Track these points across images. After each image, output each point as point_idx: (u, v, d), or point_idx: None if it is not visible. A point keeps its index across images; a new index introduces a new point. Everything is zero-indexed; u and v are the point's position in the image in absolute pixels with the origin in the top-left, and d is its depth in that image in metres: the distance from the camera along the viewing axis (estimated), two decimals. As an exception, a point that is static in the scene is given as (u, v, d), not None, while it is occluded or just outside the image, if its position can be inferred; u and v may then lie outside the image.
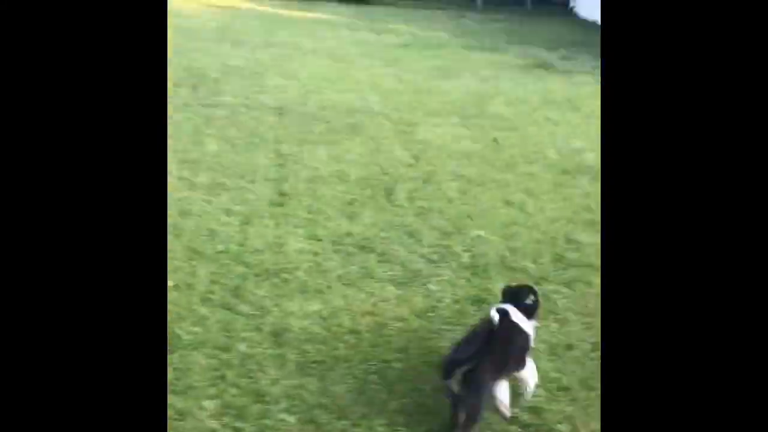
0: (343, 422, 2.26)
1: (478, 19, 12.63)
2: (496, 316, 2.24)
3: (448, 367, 2.14)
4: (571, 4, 14.50)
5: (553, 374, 2.56)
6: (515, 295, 2.42)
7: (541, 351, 2.68)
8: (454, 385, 2.10)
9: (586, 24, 12.93)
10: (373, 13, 12.40)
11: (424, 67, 8.02)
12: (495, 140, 5.33)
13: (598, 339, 2.79)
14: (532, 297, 2.41)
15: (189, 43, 8.27)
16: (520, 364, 2.28)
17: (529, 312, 2.37)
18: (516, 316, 2.30)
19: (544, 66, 8.57)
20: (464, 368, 2.08)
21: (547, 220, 3.93)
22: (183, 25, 9.47)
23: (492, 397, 2.16)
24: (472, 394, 2.08)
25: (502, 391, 2.18)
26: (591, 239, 3.71)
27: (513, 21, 12.62)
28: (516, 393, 2.30)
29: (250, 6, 12.20)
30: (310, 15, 11.64)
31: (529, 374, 2.31)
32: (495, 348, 2.16)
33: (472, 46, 9.78)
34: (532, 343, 2.35)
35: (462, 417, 2.10)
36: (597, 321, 2.93)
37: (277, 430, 2.22)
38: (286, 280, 3.09)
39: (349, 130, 5.40)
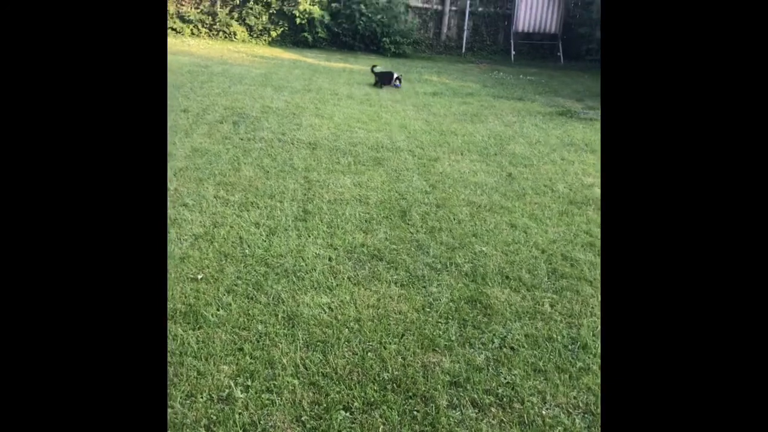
0: (341, 386, 2.61)
1: (510, 72, 13.16)
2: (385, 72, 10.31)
3: (383, 79, 10.04)
4: (603, 59, 14.92)
5: (531, 360, 2.87)
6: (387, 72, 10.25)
7: (523, 342, 3.01)
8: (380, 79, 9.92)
9: (615, 78, 13.31)
10: (409, 66, 13.05)
11: (451, 112, 8.50)
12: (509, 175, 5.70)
13: (577, 334, 3.10)
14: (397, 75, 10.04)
15: (233, 86, 8.96)
16: (398, 79, 9.92)
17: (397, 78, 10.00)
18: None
19: (568, 114, 8.95)
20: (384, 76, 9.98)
21: (548, 240, 4.25)
22: (229, 72, 10.21)
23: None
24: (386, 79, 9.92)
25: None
26: (586, 257, 4.02)
27: (544, 74, 13.10)
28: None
29: (294, 57, 12.99)
30: (349, 66, 12.33)
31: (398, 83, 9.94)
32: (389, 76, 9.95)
33: (501, 95, 10.25)
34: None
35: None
36: (578, 320, 3.23)
37: (282, 389, 2.57)
38: (302, 278, 3.48)
39: (374, 162, 5.84)
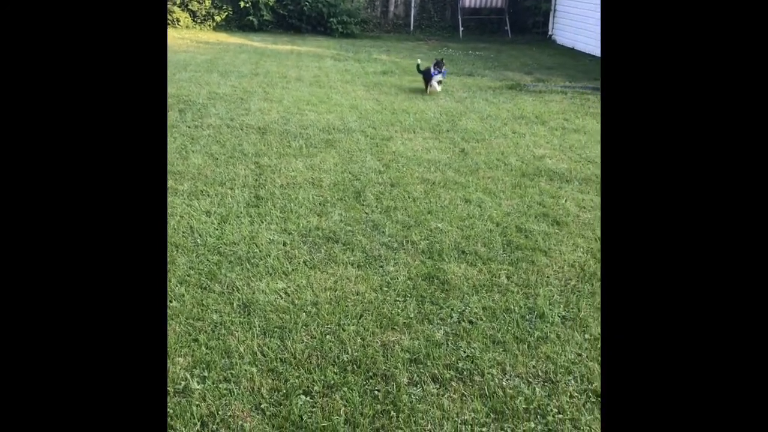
0: (300, 371, 2.57)
1: (459, 48, 13.16)
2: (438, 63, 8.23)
3: (432, 70, 8.20)
4: (550, 32, 15.06)
5: (490, 332, 2.88)
6: (438, 62, 8.13)
7: (481, 315, 3.02)
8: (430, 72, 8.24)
9: (562, 50, 13.47)
10: (358, 46, 12.93)
11: (402, 90, 8.45)
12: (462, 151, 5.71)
13: (534, 304, 3.12)
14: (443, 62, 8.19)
15: (179, 73, 8.73)
16: (443, 70, 8.08)
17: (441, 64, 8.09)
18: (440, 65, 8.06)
19: (517, 87, 9.00)
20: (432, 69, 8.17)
21: (502, 213, 4.27)
22: (174, 59, 9.95)
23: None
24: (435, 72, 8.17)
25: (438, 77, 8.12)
26: (540, 228, 4.05)
27: (492, 49, 13.14)
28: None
29: (240, 41, 12.73)
30: (297, 48, 12.15)
31: (440, 78, 8.25)
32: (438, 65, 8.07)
33: (451, 71, 10.23)
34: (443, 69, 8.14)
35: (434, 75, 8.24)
36: (535, 290, 3.26)
37: (240, 377, 2.52)
38: (256, 265, 3.42)
39: (326, 144, 5.77)
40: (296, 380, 2.52)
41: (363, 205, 4.35)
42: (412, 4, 15.58)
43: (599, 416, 2.37)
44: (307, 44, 12.82)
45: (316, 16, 14.37)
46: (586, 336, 2.87)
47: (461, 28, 15.27)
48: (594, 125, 6.89)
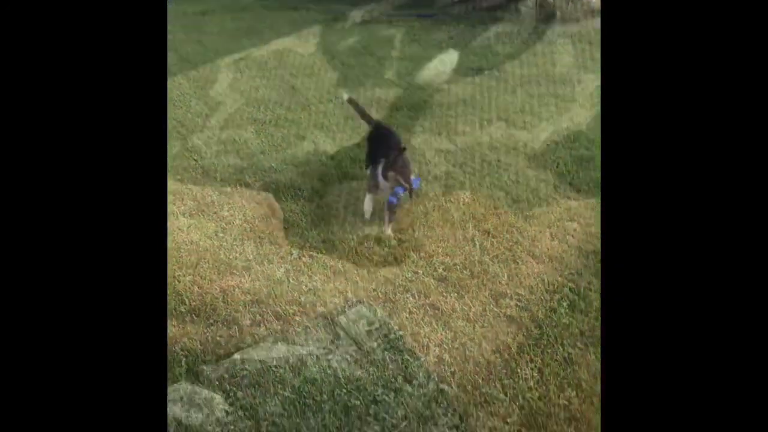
0: (135, 330, 2.46)
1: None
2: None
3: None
4: (373, -38, 14.98)
5: (330, 263, 2.90)
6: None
7: (321, 248, 3.03)
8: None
9: (386, -21, 13.48)
10: (174, -15, 12.11)
11: (225, 30, 8.06)
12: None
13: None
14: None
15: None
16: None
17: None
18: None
19: (343, 19, 8.91)
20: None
21: (337, 147, 4.28)
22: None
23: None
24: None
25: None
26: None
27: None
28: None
29: None
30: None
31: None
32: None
33: (274, 6, 9.90)
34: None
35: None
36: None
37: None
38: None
39: (146, 92, 5.41)
40: (132, 339, 2.40)
41: (190, 151, 4.16)
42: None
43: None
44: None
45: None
46: (422, 254, 2.98)
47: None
48: (420, 51, 7.01)
